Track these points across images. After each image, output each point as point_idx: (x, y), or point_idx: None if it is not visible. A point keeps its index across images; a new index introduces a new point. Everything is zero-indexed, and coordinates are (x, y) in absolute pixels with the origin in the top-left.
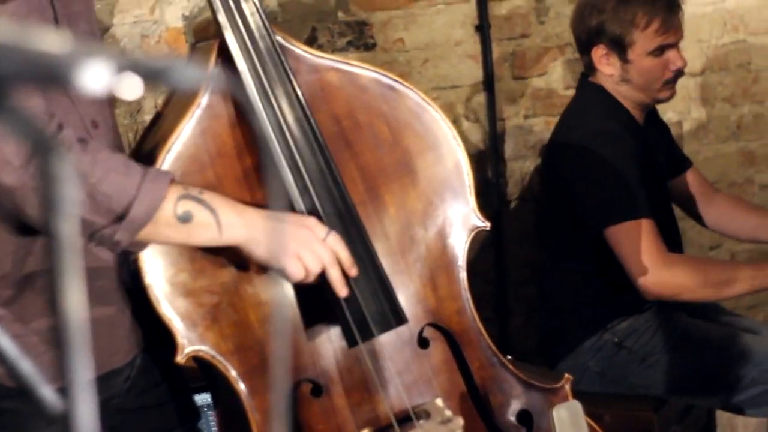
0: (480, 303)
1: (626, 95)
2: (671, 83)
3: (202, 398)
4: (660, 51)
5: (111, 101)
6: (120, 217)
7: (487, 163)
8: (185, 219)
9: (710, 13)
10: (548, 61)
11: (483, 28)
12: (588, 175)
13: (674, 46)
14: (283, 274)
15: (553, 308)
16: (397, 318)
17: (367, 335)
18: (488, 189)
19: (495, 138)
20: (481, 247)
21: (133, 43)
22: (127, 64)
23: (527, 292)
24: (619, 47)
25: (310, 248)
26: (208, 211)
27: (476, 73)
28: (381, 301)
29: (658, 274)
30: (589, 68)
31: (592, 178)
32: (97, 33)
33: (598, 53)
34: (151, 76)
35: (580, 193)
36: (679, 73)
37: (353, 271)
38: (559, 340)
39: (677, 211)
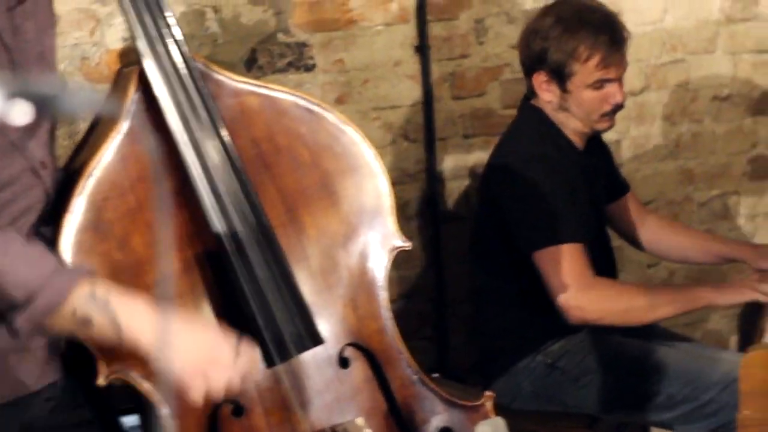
0: (419, 321)
1: (564, 122)
2: (609, 116)
3: (131, 420)
4: (599, 84)
5: (53, 134)
6: (21, 306)
7: (426, 182)
8: (84, 322)
9: (649, 33)
10: (487, 82)
11: (422, 48)
12: (520, 199)
13: (615, 80)
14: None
15: (488, 328)
16: (313, 339)
17: (285, 356)
18: (427, 208)
19: (434, 157)
20: (421, 266)
21: (73, 66)
22: (18, 90)
23: (466, 311)
24: (559, 76)
25: (216, 369)
26: (109, 318)
27: (415, 93)
28: (297, 322)
29: (580, 298)
30: (531, 92)
31: (523, 202)
32: (48, 58)
33: (539, 79)
34: (42, 102)
35: (511, 215)
36: (618, 107)
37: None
38: (494, 360)
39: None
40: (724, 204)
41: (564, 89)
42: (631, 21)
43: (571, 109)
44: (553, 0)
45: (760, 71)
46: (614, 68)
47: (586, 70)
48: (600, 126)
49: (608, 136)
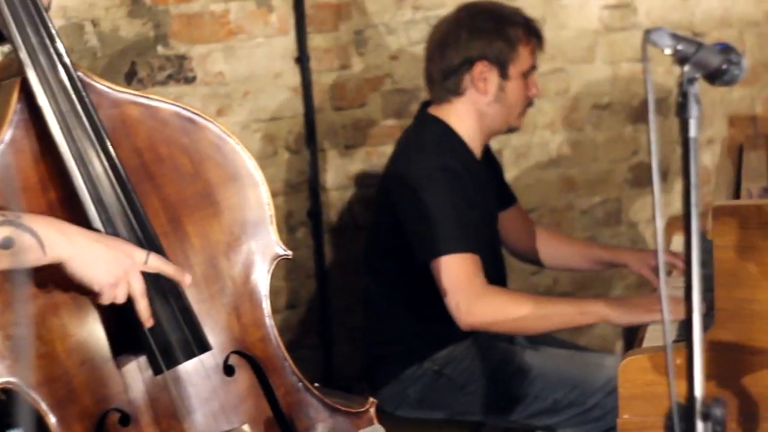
0: (304, 331)
1: (486, 121)
2: (526, 109)
3: None
4: (528, 72)
5: None
6: None
7: (309, 193)
8: (7, 245)
9: None
10: (368, 92)
11: (303, 60)
12: (419, 208)
13: (534, 71)
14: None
15: (377, 337)
16: (201, 345)
17: (172, 363)
18: (310, 219)
19: (316, 168)
20: (305, 276)
21: None
22: None
23: (350, 320)
24: (502, 64)
25: (127, 275)
26: (28, 233)
27: (297, 105)
28: (185, 329)
29: (471, 305)
30: (451, 92)
31: (424, 211)
32: None
33: (478, 70)
34: None
35: (411, 224)
36: (532, 102)
37: (187, 279)
38: (381, 368)
39: None
40: (606, 211)
41: (505, 76)
42: None
43: (506, 98)
44: (459, 9)
45: (639, 79)
46: (537, 58)
47: (525, 55)
48: (517, 123)
49: (491, 145)
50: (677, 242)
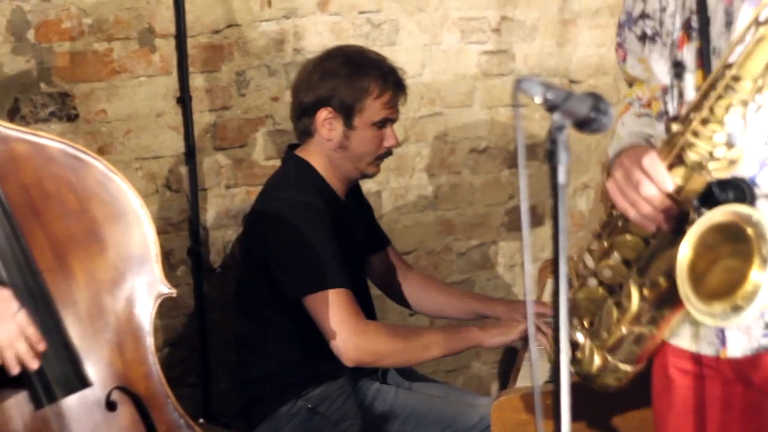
0: (184, 369)
1: (336, 165)
2: (381, 159)
3: None
4: (382, 124)
5: None
6: None
7: (190, 232)
8: None
9: (408, 86)
10: (249, 133)
11: (184, 100)
12: (286, 245)
13: (392, 123)
14: None
15: (251, 376)
16: (82, 382)
17: (53, 398)
18: (191, 257)
19: (197, 207)
20: (185, 315)
21: None
22: None
23: (229, 358)
24: (347, 112)
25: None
26: None
27: (178, 144)
28: (65, 365)
29: (356, 340)
30: (304, 134)
31: (290, 248)
32: None
33: (323, 116)
34: None
35: (279, 261)
36: (390, 151)
37: (41, 346)
38: (257, 406)
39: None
40: (483, 254)
41: (350, 125)
42: None
43: (351, 147)
44: (327, 49)
45: (515, 125)
46: (396, 110)
47: (375, 107)
48: (370, 170)
49: (369, 187)
50: (551, 286)
